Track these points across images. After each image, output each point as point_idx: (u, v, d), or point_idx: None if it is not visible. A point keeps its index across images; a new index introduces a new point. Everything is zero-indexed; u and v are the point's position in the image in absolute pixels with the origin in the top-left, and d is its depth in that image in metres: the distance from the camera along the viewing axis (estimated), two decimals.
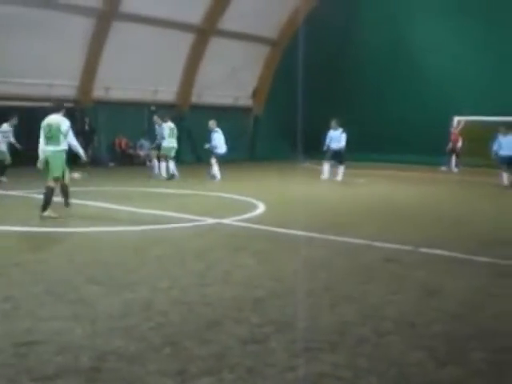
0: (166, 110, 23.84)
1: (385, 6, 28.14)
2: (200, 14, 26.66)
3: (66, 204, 12.00)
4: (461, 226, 11.38)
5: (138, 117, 25.90)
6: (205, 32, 27.12)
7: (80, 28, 23.21)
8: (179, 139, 21.16)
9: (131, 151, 26.15)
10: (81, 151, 11.97)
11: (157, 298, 6.26)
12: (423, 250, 8.87)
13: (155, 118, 21.31)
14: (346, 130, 19.83)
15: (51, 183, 11.34)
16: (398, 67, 27.76)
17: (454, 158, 24.98)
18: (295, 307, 5.98)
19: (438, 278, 7.30)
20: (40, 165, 11.48)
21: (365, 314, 5.81)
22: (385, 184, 19.49)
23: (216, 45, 27.51)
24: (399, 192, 17.23)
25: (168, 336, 5.13)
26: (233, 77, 27.86)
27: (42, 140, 11.47)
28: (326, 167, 20.17)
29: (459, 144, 24.77)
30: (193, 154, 26.81)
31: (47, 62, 22.33)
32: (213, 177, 19.43)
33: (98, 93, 24.92)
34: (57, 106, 12.04)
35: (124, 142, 26.10)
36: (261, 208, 13.05)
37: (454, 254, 8.59)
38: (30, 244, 9.25)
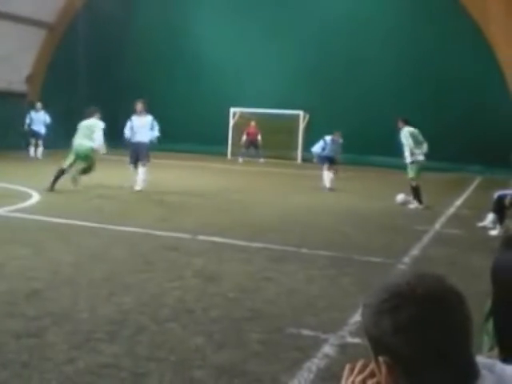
0: None
1: None
2: None
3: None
4: (238, 214, 11.74)
5: None
6: None
7: None
8: None
9: None
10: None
11: None
12: (201, 237, 9.07)
13: None
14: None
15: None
16: (178, 59, 27.91)
17: (252, 151, 25.85)
18: (73, 298, 5.83)
19: (216, 265, 7.51)
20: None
21: (144, 303, 5.82)
22: (169, 173, 19.41)
23: None
24: (183, 181, 17.24)
25: None
26: (6, 61, 26.32)
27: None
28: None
29: (259, 137, 25.62)
30: None
31: None
32: None
33: None
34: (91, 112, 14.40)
35: None
36: (35, 197, 12.51)
37: (230, 241, 8.90)
38: None
